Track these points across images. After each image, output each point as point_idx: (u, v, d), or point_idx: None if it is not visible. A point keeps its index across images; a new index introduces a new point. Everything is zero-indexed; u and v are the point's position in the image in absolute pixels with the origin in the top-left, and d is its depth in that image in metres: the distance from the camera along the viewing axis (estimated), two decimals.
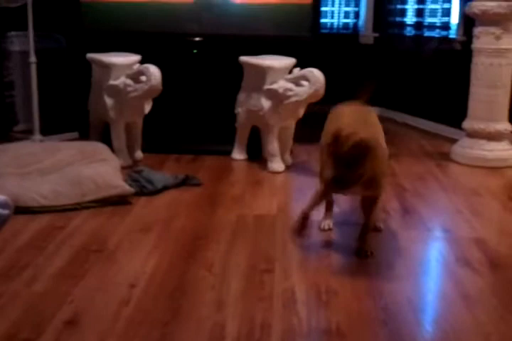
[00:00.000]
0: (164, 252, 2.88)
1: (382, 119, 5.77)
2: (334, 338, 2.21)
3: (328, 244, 3.05)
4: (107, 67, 4.23)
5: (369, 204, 2.90)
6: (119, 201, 3.45)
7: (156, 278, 2.62)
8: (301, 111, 4.24)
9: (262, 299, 2.47)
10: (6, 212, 1.57)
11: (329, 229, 3.19)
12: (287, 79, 4.15)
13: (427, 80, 5.66)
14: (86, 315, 2.30)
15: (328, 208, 3.25)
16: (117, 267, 2.72)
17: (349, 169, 2.57)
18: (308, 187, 3.87)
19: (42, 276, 2.59)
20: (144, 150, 4.43)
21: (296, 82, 4.10)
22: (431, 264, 2.86)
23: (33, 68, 4.42)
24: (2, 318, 2.25)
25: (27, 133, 4.54)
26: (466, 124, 4.49)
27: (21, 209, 3.22)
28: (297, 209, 3.59)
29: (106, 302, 2.41)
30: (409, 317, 2.34)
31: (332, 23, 6.36)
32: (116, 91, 4.17)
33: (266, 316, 2.33)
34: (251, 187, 3.88)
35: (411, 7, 5.87)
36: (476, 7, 4.26)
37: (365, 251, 2.86)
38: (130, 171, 3.86)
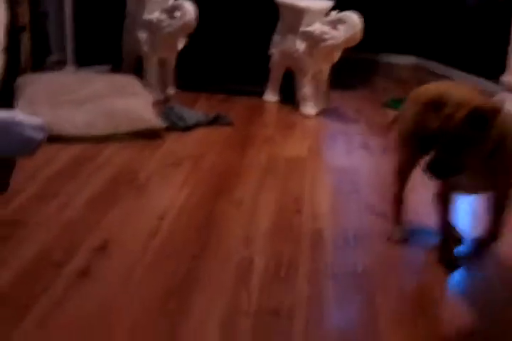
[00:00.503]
0: (194, 187, 2.88)
1: (417, 69, 5.73)
2: (360, 279, 2.23)
3: (357, 189, 3.03)
4: (142, 0, 4.16)
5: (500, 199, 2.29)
6: (150, 135, 3.44)
7: (185, 212, 2.63)
8: (337, 56, 4.16)
9: (289, 239, 2.48)
10: (40, 135, 1.56)
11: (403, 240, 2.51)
12: (324, 22, 4.07)
13: (466, 31, 5.53)
14: (115, 244, 2.33)
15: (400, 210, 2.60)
16: (147, 199, 2.74)
17: (457, 151, 1.95)
18: (340, 132, 3.86)
19: (73, 204, 2.62)
20: (176, 87, 4.39)
21: (333, 25, 4.01)
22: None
23: None
24: (34, 241, 2.29)
25: (60, 64, 4.51)
26: (505, 78, 4.39)
27: (53, 138, 3.22)
28: (329, 154, 3.60)
29: (135, 233, 2.43)
30: (435, 263, 2.33)
31: None
32: (150, 26, 4.12)
33: (293, 255, 2.35)
34: (282, 129, 3.85)
35: None
36: None
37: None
38: (162, 107, 3.84)
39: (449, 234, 2.35)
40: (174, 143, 3.45)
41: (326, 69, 4.27)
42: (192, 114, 3.77)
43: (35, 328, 1.81)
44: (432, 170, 1.97)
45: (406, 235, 2.51)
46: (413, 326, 1.96)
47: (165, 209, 2.64)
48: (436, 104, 2.17)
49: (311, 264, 2.30)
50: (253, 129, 3.80)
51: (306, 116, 4.11)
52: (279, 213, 2.69)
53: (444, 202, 2.30)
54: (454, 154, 1.94)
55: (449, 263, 2.29)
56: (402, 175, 2.50)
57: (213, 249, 2.36)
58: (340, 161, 3.38)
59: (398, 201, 2.55)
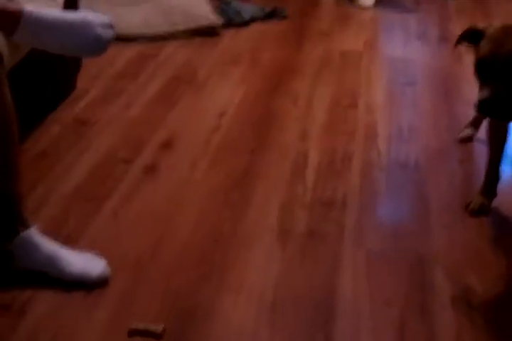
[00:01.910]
0: (251, 84, 2.96)
1: None
2: (411, 172, 2.32)
3: (413, 81, 3.05)
4: None
5: None
6: (208, 32, 3.48)
7: (244, 108, 2.73)
8: None
9: (344, 132, 2.57)
10: (110, 33, 1.63)
11: (468, 138, 2.50)
12: None
13: None
14: (179, 140, 2.46)
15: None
16: (207, 97, 2.84)
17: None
18: (398, 24, 3.82)
19: (136, 102, 2.74)
20: None
21: None
22: None
23: None
24: (102, 139, 2.44)
25: None
26: None
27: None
28: (385, 46, 3.59)
29: (197, 128, 2.56)
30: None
31: None
32: None
33: (347, 148, 2.45)
34: (338, 22, 3.83)
35: None
36: None
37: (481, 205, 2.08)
38: (218, 2, 3.85)
39: (493, 179, 2.09)
40: (231, 40, 3.49)
41: None
42: (248, 8, 3.77)
43: (110, 219, 2.00)
44: (481, 108, 1.68)
45: (473, 137, 2.50)
46: (462, 217, 2.07)
47: (224, 106, 2.74)
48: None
49: (364, 157, 2.39)
50: (309, 23, 3.79)
51: (363, 8, 4.05)
52: (335, 107, 2.77)
53: (497, 136, 2.05)
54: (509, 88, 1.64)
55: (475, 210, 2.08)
56: None
57: (271, 143, 2.47)
58: (397, 53, 3.38)
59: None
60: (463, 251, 1.90)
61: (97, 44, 1.61)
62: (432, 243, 1.94)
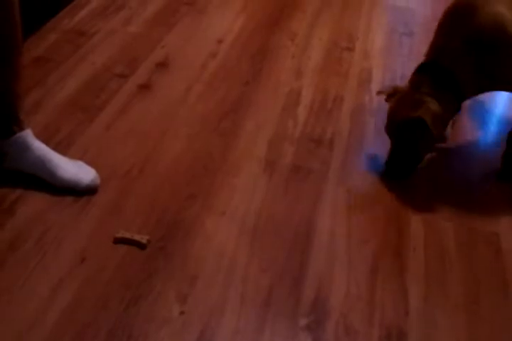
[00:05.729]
0: (252, 15, 2.94)
1: None
2: None
3: (411, 32, 3.07)
4: None
5: None
6: None
7: (242, 38, 2.73)
8: None
9: (338, 74, 2.58)
10: None
11: None
12: None
13: None
14: (176, 61, 2.46)
15: None
16: (207, 21, 2.82)
17: (407, 151, 1.97)
18: None
19: (136, 19, 2.71)
20: None
21: None
22: None
23: None
24: (99, 52, 2.43)
25: None
26: None
27: None
28: None
29: (195, 52, 2.55)
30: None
31: None
32: None
33: (340, 90, 2.47)
34: None
35: None
36: None
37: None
38: None
39: None
40: None
41: None
42: None
43: (102, 130, 2.01)
44: (388, 174, 2.01)
45: None
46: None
47: (223, 33, 2.73)
48: None
49: (356, 100, 2.42)
50: None
51: None
52: (331, 48, 2.77)
53: None
54: (404, 154, 1.96)
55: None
56: None
57: (265, 77, 2.48)
58: (399, 2, 3.37)
59: None
60: (439, 202, 1.97)
61: None
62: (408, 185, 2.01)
